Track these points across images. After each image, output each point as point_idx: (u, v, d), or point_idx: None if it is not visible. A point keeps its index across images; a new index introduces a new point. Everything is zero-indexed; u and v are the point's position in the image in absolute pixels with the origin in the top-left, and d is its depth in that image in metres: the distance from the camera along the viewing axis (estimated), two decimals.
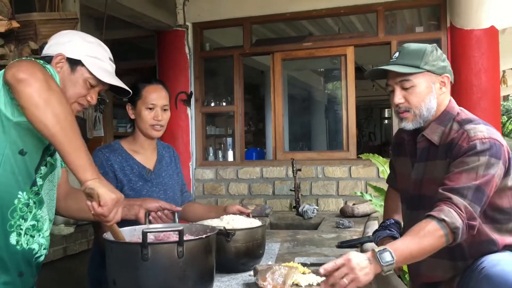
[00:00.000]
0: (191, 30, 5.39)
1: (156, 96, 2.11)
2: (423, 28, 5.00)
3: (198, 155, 5.47)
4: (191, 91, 5.37)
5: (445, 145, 1.70)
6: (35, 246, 1.50)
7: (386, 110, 15.22)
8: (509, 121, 15.19)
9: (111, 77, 1.62)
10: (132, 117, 2.17)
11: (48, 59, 1.55)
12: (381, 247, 1.46)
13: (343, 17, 5.71)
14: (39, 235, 1.51)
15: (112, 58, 1.69)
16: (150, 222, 1.79)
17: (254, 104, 8.94)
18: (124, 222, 1.82)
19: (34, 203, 1.48)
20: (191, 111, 5.41)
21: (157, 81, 2.22)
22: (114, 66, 1.69)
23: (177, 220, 1.85)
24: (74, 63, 1.56)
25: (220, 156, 5.80)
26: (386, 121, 15.59)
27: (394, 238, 1.84)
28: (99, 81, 1.57)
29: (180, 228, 1.27)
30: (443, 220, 1.49)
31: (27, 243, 1.47)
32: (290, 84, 7.25)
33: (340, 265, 1.41)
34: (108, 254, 1.37)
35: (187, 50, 5.36)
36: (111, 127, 5.84)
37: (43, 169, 1.51)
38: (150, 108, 2.10)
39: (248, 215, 2.10)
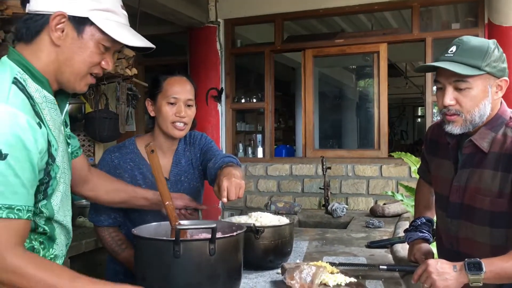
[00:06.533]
0: (223, 26, 5.41)
1: (178, 89, 1.85)
2: (460, 25, 4.87)
3: (227, 151, 5.48)
4: (222, 87, 5.39)
5: (497, 154, 1.55)
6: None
7: (419, 108, 14.98)
8: None
9: (132, 34, 1.24)
10: (152, 114, 1.91)
11: (41, 22, 1.16)
12: (473, 259, 1.42)
13: (376, 13, 5.63)
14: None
15: (122, 5, 1.28)
16: None
17: (284, 101, 8.92)
18: (147, 215, 1.83)
19: (41, 243, 1.22)
20: (221, 107, 5.43)
21: (181, 73, 1.93)
22: (126, 14, 1.28)
23: (200, 217, 1.78)
24: (80, 23, 1.17)
25: (249, 152, 5.83)
26: (419, 120, 15.33)
27: (426, 240, 1.79)
28: (115, 41, 1.21)
29: (213, 225, 1.26)
30: None
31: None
32: (321, 81, 7.19)
33: (422, 270, 1.47)
34: (137, 250, 1.37)
35: (218, 47, 5.38)
36: (143, 122, 5.94)
37: (41, 204, 1.19)
38: (172, 103, 1.84)
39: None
